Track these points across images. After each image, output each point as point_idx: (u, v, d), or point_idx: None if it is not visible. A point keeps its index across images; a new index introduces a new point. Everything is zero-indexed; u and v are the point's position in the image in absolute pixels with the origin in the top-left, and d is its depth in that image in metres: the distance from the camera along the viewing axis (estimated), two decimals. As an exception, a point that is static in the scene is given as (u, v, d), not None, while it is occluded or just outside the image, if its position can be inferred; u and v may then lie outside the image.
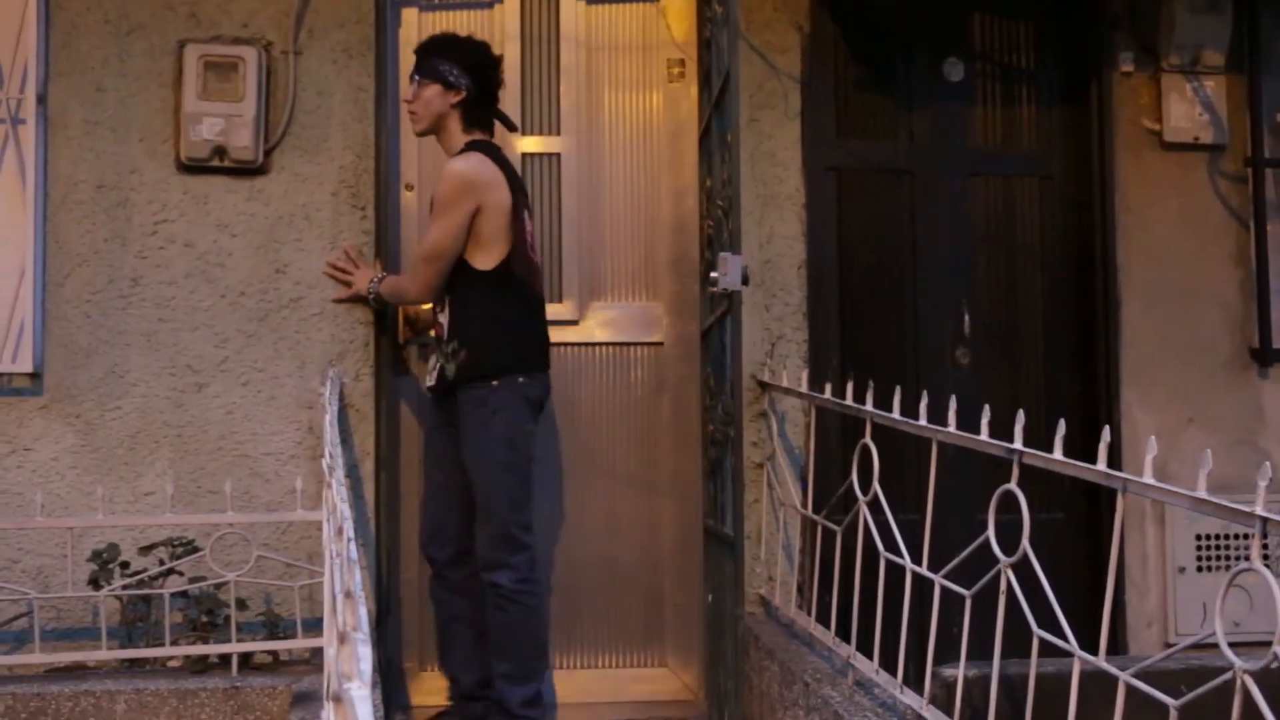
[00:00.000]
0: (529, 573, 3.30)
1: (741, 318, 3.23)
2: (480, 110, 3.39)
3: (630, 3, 4.03)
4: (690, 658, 3.82)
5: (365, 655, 0.94)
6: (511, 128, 3.56)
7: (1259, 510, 1.67)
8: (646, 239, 4.01)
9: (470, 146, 3.35)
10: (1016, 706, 2.52)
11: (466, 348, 3.30)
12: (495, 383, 3.27)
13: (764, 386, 3.73)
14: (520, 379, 3.28)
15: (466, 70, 3.35)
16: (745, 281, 3.13)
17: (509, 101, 3.94)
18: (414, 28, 3.92)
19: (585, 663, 3.90)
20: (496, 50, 3.71)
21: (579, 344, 3.93)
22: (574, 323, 3.92)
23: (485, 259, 3.27)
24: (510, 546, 3.26)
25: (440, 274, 3.28)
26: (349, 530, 1.48)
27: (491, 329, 3.29)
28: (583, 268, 3.95)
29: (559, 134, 3.98)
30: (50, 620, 3.34)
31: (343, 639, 0.98)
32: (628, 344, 3.99)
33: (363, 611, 1.06)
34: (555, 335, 3.82)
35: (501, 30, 3.98)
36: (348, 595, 1.09)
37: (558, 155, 3.98)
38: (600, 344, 3.95)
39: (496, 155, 3.35)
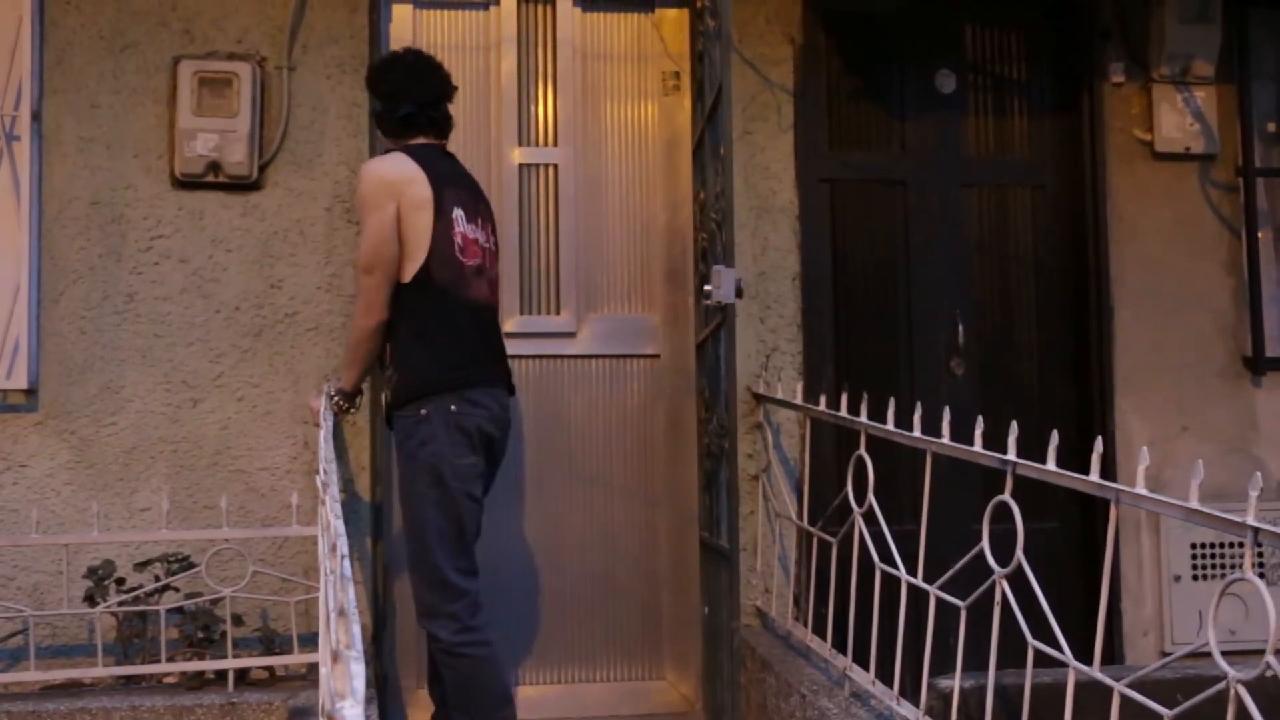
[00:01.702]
0: (470, 619, 2.95)
1: (735, 330, 3.23)
2: (388, 120, 3.14)
3: (625, 12, 4.04)
4: (688, 670, 3.82)
5: (358, 673, 0.94)
6: (443, 124, 3.23)
7: (1250, 520, 1.68)
8: (643, 250, 4.01)
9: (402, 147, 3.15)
10: (1013, 717, 2.52)
11: (398, 372, 3.03)
12: (424, 411, 2.94)
13: (759, 398, 3.74)
14: (453, 406, 2.94)
15: (368, 91, 3.32)
16: (739, 294, 3.13)
17: (505, 110, 3.95)
18: (408, 28, 3.92)
19: (583, 676, 3.89)
20: (492, 54, 3.73)
21: (576, 356, 3.93)
22: (571, 334, 3.93)
23: (407, 268, 2.97)
24: (447, 593, 2.94)
25: (379, 286, 2.96)
26: (343, 547, 1.48)
27: (415, 349, 2.99)
28: (580, 279, 3.95)
29: (556, 144, 3.98)
30: (46, 637, 3.33)
31: (335, 657, 0.98)
32: (624, 356, 3.99)
33: (356, 629, 1.06)
34: (553, 347, 3.82)
35: (498, 33, 3.98)
36: (341, 613, 1.09)
37: (555, 165, 3.98)
38: (597, 356, 3.95)
39: (423, 152, 3.08)
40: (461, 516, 2.96)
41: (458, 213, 3.03)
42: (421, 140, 3.13)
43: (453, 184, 3.06)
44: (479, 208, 3.14)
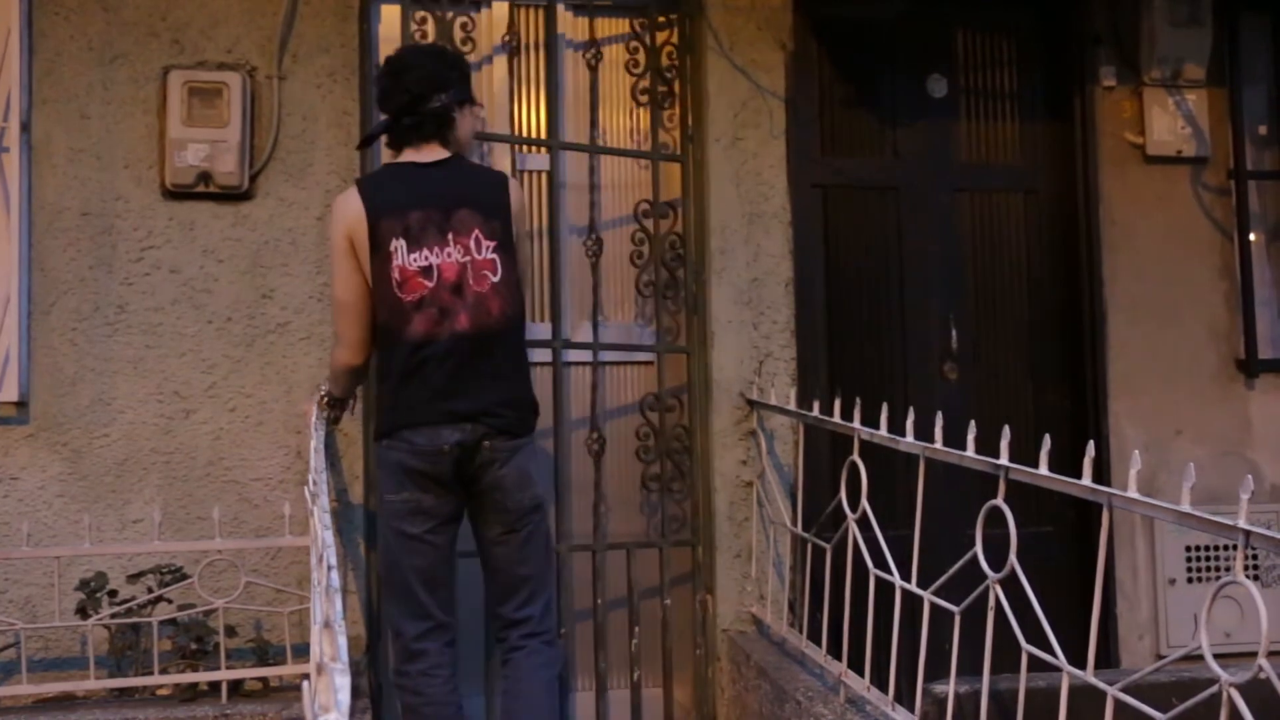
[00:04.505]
0: (401, 664, 2.87)
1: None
2: (391, 130, 2.98)
3: (617, 18, 4.03)
4: (685, 677, 3.81)
5: (343, 686, 0.94)
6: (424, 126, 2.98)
7: (1241, 523, 1.67)
8: (636, 257, 3.98)
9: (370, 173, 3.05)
10: (1008, 722, 2.51)
11: None
12: (376, 448, 2.93)
13: (752, 404, 3.73)
14: (385, 442, 2.85)
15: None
16: None
17: (498, 116, 3.93)
18: (397, 32, 3.88)
19: (579, 685, 3.87)
20: (484, 59, 3.76)
21: (571, 363, 3.91)
22: (566, 341, 3.91)
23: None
24: (390, 632, 2.93)
25: (350, 326, 2.91)
26: (330, 558, 1.47)
27: (376, 385, 2.97)
28: (574, 285, 3.94)
29: (550, 150, 3.95)
30: (38, 650, 3.32)
31: (320, 669, 0.98)
32: (619, 363, 3.98)
33: (342, 641, 1.05)
34: (548, 354, 3.77)
35: (490, 38, 3.97)
36: (326, 625, 1.08)
37: (549, 172, 3.96)
38: (592, 363, 3.92)
39: (386, 175, 2.97)
40: (398, 555, 2.85)
41: (396, 244, 2.82)
42: (412, 151, 2.95)
43: (400, 208, 2.84)
44: (448, 220, 2.85)
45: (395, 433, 2.82)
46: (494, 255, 2.87)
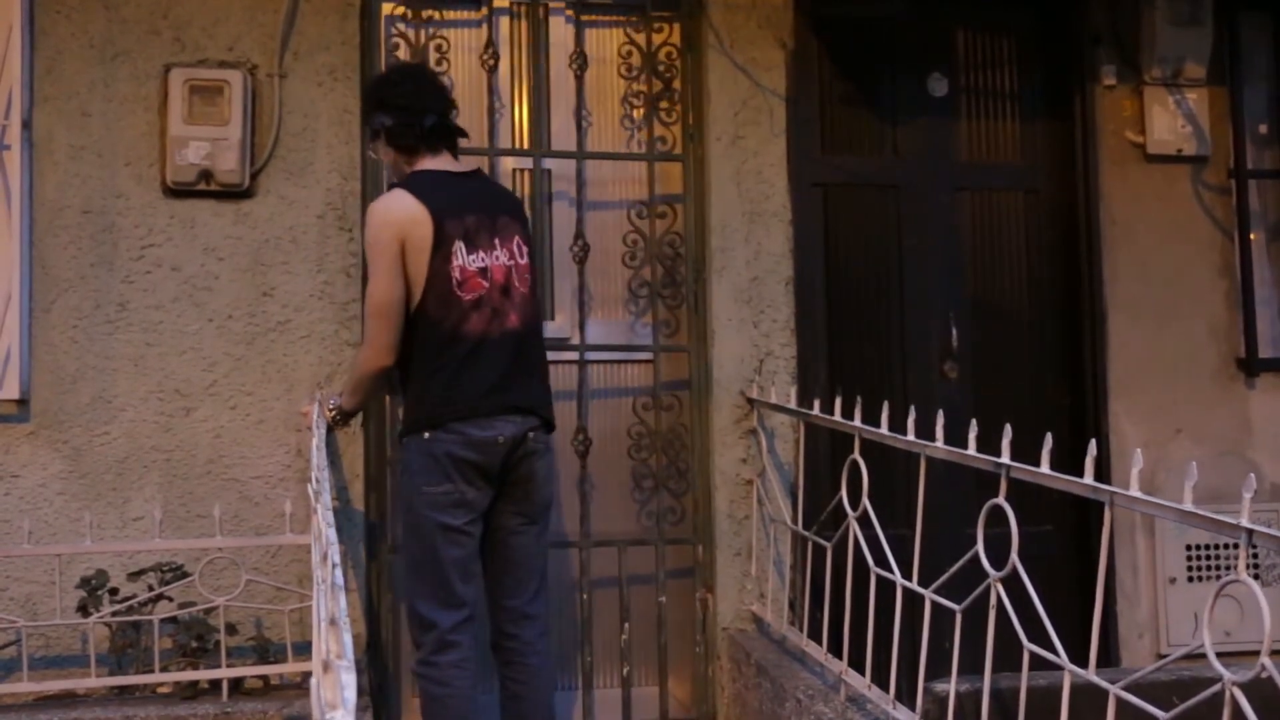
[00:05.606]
0: (433, 654, 2.91)
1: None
2: (406, 137, 3.04)
3: (618, 15, 4.03)
4: (684, 675, 3.82)
5: (349, 683, 0.94)
6: (459, 135, 3.18)
7: (1244, 522, 1.68)
8: (635, 256, 3.99)
9: (406, 179, 3.07)
10: (1009, 720, 2.51)
11: (402, 404, 3.11)
12: (405, 440, 2.99)
13: (753, 403, 3.73)
14: (426, 434, 2.91)
15: (375, 108, 3.10)
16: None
17: (497, 116, 3.92)
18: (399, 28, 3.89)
19: (575, 683, 3.87)
20: (484, 59, 3.80)
21: (570, 361, 3.91)
22: (565, 339, 3.91)
23: (412, 302, 2.95)
24: (418, 624, 2.96)
25: (388, 329, 2.93)
26: (334, 555, 1.48)
27: (412, 380, 2.99)
28: (573, 284, 3.94)
29: (549, 149, 3.95)
30: (39, 648, 3.32)
31: (326, 667, 0.98)
32: (619, 361, 3.98)
33: (347, 638, 1.05)
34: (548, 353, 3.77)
35: (477, 38, 3.95)
36: (332, 622, 1.08)
37: (548, 171, 3.96)
38: (592, 361, 3.92)
39: (429, 181, 3.00)
40: (435, 546, 2.91)
41: (457, 245, 2.93)
42: (432, 159, 3.04)
43: (457, 212, 2.95)
44: (495, 225, 3.01)
45: (445, 425, 2.90)
46: (528, 260, 3.09)
